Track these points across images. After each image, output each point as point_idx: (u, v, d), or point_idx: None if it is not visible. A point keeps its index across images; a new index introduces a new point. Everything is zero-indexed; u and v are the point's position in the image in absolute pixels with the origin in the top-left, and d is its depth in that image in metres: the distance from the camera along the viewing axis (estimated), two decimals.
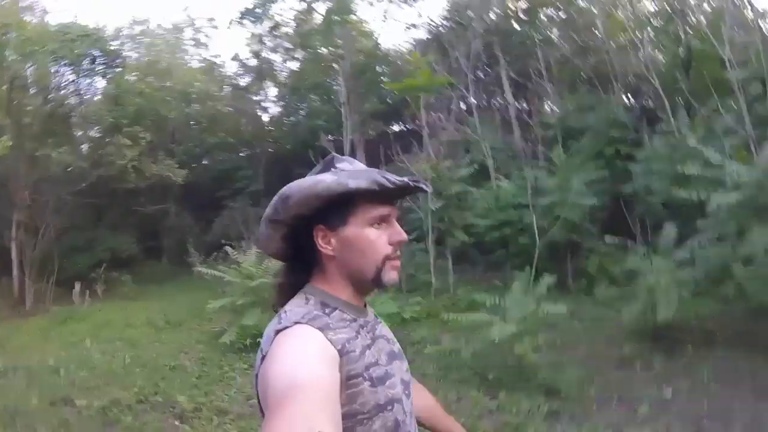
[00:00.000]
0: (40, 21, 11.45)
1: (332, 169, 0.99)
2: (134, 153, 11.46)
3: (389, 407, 0.91)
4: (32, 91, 10.19)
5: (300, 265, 1.02)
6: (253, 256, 6.44)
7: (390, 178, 0.94)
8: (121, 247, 13.52)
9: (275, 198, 0.96)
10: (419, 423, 1.09)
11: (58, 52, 9.82)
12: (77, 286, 9.80)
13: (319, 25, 16.15)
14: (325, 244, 0.97)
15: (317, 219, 0.96)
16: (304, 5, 17.27)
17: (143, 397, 4.30)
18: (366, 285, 1.00)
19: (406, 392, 1.01)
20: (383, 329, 1.08)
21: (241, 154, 17.97)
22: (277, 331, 0.87)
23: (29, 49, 9.19)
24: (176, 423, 3.71)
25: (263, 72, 18.55)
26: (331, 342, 0.86)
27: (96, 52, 11.48)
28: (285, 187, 0.95)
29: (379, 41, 16.99)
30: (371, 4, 16.60)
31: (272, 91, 19.23)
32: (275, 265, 5.39)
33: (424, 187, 1.03)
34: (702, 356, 4.59)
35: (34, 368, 5.36)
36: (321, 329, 0.88)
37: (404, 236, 0.99)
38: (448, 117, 11.93)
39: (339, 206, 0.95)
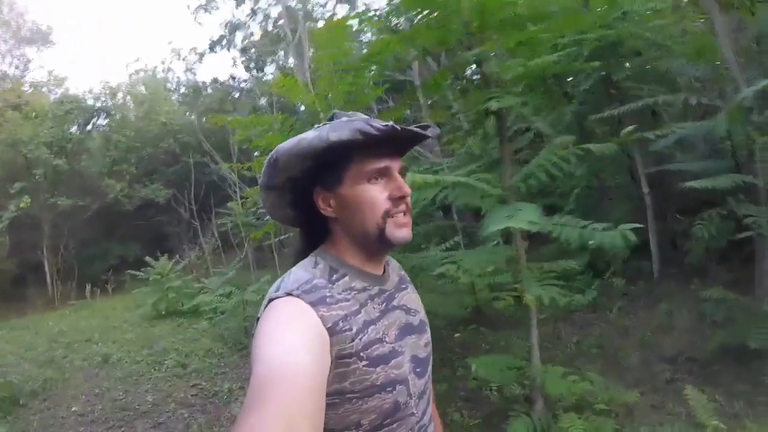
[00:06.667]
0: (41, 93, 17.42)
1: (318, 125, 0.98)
2: (122, 185, 17.12)
3: (389, 388, 0.93)
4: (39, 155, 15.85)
5: (313, 232, 1.06)
6: (166, 261, 11.66)
7: (375, 124, 0.93)
8: (129, 254, 19.41)
9: (265, 163, 0.99)
10: None
11: (57, 125, 15.65)
12: (88, 286, 15.66)
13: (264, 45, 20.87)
14: (326, 206, 1.01)
15: (315, 180, 1.00)
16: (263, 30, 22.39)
17: (89, 339, 9.66)
18: (373, 246, 1.01)
19: (418, 370, 1.02)
20: (406, 298, 1.10)
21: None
22: (270, 299, 0.91)
23: (33, 130, 14.97)
24: (93, 345, 8.95)
25: (247, 91, 23.74)
26: (322, 319, 0.87)
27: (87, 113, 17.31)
28: (273, 150, 0.97)
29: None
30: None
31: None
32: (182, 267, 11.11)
33: (424, 133, 0.99)
34: None
35: (46, 329, 11.03)
36: (313, 304, 0.89)
37: (405, 190, 0.98)
38: None
39: (333, 164, 0.97)
